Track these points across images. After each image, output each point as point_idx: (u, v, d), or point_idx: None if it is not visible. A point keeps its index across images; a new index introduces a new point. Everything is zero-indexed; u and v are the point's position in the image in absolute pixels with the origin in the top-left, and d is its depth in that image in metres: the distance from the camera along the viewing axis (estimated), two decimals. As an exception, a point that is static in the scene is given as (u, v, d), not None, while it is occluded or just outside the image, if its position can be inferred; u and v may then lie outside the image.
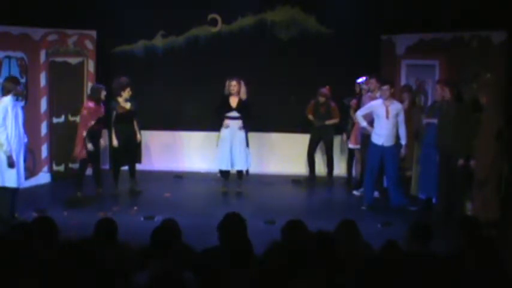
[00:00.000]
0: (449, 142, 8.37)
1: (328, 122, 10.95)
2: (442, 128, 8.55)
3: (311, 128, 11.10)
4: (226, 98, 10.00)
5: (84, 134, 9.36)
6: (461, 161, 8.32)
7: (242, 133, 10.00)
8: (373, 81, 9.83)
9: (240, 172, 10.19)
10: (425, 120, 9.03)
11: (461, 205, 8.48)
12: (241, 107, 9.96)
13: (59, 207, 9.04)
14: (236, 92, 9.92)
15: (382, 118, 9.14)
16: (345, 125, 10.84)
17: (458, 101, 8.51)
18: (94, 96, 9.55)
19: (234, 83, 9.90)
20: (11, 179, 8.13)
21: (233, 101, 9.97)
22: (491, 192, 8.05)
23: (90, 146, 9.38)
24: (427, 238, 5.00)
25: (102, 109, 9.58)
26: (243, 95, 9.97)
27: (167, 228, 4.76)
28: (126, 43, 11.88)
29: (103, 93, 9.52)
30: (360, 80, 10.39)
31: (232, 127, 9.98)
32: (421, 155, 9.18)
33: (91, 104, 9.46)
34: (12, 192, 8.26)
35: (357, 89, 10.46)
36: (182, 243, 4.84)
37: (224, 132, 10.01)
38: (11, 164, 8.05)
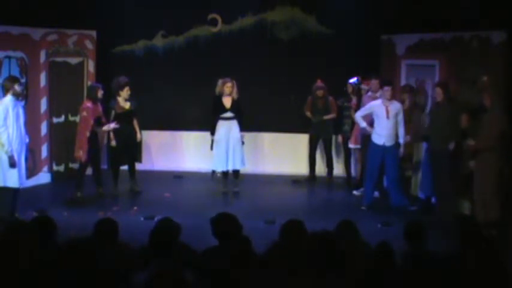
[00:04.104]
0: (439, 142, 8.40)
1: (326, 117, 10.93)
2: (432, 129, 8.58)
3: (310, 125, 11.10)
4: (218, 99, 9.96)
5: (88, 134, 9.36)
6: (451, 145, 8.32)
7: (237, 133, 9.98)
8: (375, 81, 9.84)
9: (236, 172, 10.18)
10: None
11: (456, 202, 8.49)
12: (236, 106, 9.94)
13: (59, 207, 9.05)
14: (230, 92, 9.90)
15: (382, 118, 9.14)
16: (341, 126, 10.86)
17: (449, 102, 8.52)
18: (90, 95, 9.57)
19: (230, 84, 9.86)
20: (12, 179, 8.13)
21: (227, 102, 9.93)
22: (491, 192, 8.05)
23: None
24: (422, 238, 5.00)
25: (100, 108, 9.59)
26: (235, 95, 9.96)
27: (164, 228, 4.75)
28: (126, 43, 11.89)
29: (99, 92, 9.52)
30: (351, 80, 10.44)
31: (227, 127, 9.95)
32: (423, 156, 9.15)
33: (89, 104, 9.47)
34: (13, 192, 8.26)
35: (349, 89, 10.50)
36: (181, 241, 4.84)
37: (219, 133, 9.98)
38: (12, 164, 8.06)
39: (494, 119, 7.95)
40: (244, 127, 10.12)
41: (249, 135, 10.47)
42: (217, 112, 9.97)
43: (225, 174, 10.20)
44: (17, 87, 8.16)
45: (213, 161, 10.16)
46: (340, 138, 10.99)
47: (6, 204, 8.20)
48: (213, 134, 10.03)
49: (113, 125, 9.52)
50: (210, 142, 10.21)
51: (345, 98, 10.67)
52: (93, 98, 9.49)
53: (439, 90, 8.57)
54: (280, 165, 11.72)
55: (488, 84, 8.24)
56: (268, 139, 11.84)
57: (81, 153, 9.43)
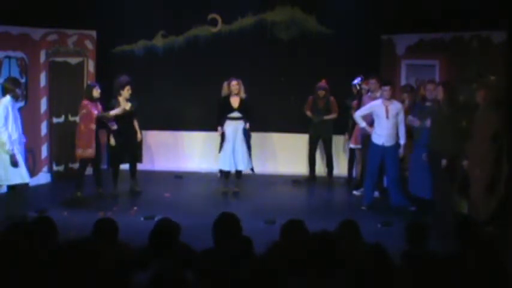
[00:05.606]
0: (438, 142, 8.41)
1: (327, 117, 10.94)
2: (433, 129, 8.59)
3: (309, 125, 11.10)
4: (226, 99, 9.95)
5: (93, 127, 9.36)
6: (444, 161, 8.32)
7: (245, 133, 9.98)
8: (373, 81, 9.84)
9: (239, 172, 10.17)
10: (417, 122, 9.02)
11: (453, 204, 8.48)
12: (243, 106, 9.93)
13: (59, 207, 9.05)
14: (237, 91, 9.89)
15: (382, 118, 9.14)
16: (346, 125, 10.86)
17: (451, 102, 8.53)
18: (87, 94, 9.59)
19: (234, 82, 9.85)
20: (21, 175, 8.16)
21: (234, 101, 9.92)
22: (489, 192, 8.05)
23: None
24: (424, 238, 5.01)
25: (100, 107, 9.59)
26: (243, 94, 9.95)
27: (164, 228, 4.75)
28: (126, 43, 11.89)
29: (95, 91, 9.51)
30: (355, 81, 10.45)
31: (234, 127, 9.94)
32: (412, 155, 9.11)
33: (86, 102, 9.48)
34: (24, 189, 8.28)
35: (354, 90, 10.51)
36: (181, 241, 4.84)
37: (226, 133, 9.96)
38: (14, 163, 8.07)
39: (486, 119, 7.97)
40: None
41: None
42: (224, 112, 9.94)
43: (226, 174, 10.19)
44: (18, 91, 8.20)
45: (219, 160, 10.16)
46: (346, 136, 10.99)
47: (21, 202, 8.24)
48: (220, 126, 9.94)
49: (113, 126, 9.51)
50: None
51: (350, 98, 10.66)
52: (89, 97, 9.49)
53: (441, 88, 8.55)
54: (280, 165, 11.73)
55: (489, 84, 8.23)
56: (268, 139, 11.82)
57: (89, 151, 9.43)
